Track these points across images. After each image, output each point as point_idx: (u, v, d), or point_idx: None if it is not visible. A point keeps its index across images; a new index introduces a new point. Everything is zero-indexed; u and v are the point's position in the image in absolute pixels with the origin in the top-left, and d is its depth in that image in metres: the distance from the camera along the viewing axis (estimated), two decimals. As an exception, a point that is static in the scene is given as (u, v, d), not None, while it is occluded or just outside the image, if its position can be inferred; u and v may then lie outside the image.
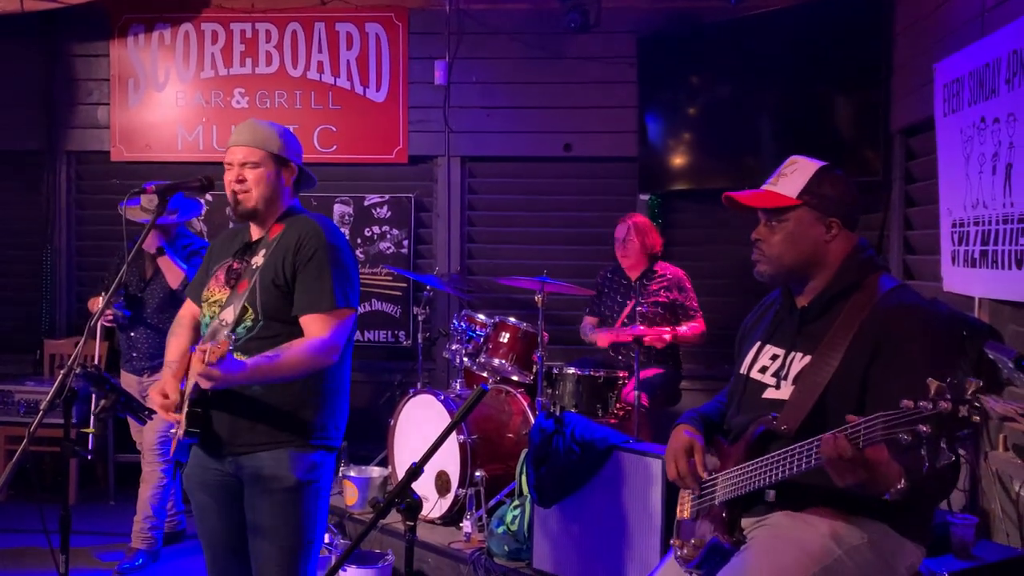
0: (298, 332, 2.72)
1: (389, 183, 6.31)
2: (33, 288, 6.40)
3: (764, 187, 2.41)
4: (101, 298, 4.44)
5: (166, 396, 2.73)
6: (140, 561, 4.62)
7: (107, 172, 6.41)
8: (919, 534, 2.30)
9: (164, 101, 6.33)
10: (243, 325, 2.73)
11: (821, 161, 2.41)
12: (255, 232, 2.89)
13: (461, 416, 1.93)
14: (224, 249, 2.96)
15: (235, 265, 2.85)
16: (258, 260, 2.78)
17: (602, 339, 5.17)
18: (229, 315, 2.74)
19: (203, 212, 6.16)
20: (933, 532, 2.40)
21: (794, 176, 2.38)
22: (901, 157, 4.80)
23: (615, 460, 3.78)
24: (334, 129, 6.26)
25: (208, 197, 6.17)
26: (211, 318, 2.81)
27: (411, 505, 1.96)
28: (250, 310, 2.73)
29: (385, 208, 6.25)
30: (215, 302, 2.83)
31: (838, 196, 2.35)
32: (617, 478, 3.76)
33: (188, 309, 3.02)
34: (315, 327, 2.69)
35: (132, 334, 4.75)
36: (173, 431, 2.87)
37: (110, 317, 4.63)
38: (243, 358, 2.61)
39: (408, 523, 1.98)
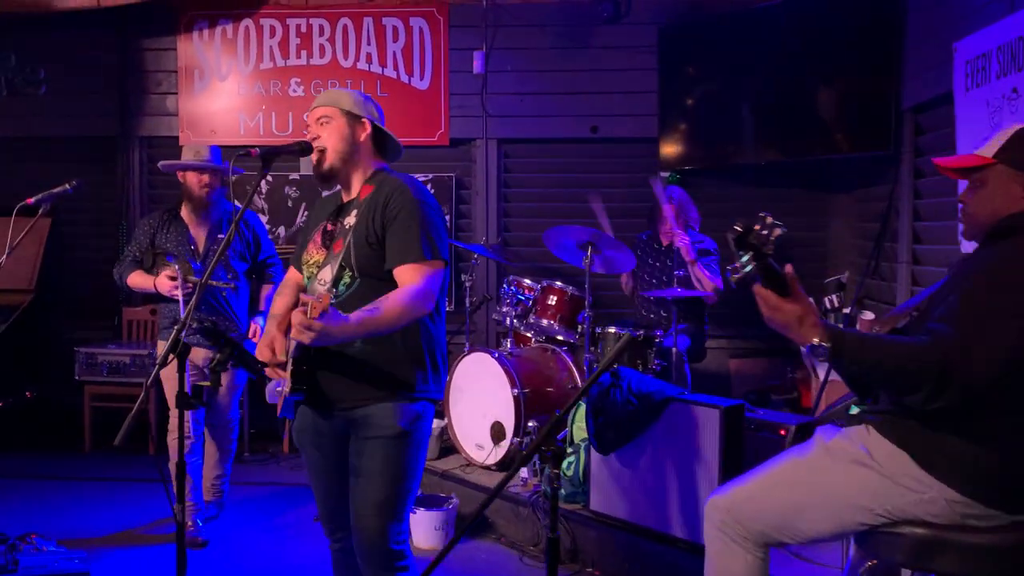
0: (393, 287, 2.53)
1: (432, 163, 6.11)
2: (111, 261, 6.06)
3: None
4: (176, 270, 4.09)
5: (273, 351, 2.59)
6: (213, 513, 4.38)
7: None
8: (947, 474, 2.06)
9: (227, 90, 6.08)
10: (342, 283, 2.57)
11: None
12: (346, 195, 2.71)
13: (610, 361, 1.71)
14: (319, 214, 2.79)
15: (329, 227, 2.67)
16: (350, 220, 2.60)
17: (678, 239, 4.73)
18: (327, 274, 2.59)
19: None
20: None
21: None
22: (910, 133, 4.58)
23: (671, 411, 3.59)
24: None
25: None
26: (310, 279, 2.66)
27: (556, 452, 1.72)
28: (347, 269, 2.56)
29: (429, 186, 5.99)
30: (313, 263, 2.68)
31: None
32: (674, 428, 3.57)
33: (292, 274, 2.86)
34: (407, 276, 2.50)
35: (160, 304, 4.40)
36: (279, 389, 2.62)
37: (190, 287, 4.20)
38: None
39: (554, 471, 1.74)
